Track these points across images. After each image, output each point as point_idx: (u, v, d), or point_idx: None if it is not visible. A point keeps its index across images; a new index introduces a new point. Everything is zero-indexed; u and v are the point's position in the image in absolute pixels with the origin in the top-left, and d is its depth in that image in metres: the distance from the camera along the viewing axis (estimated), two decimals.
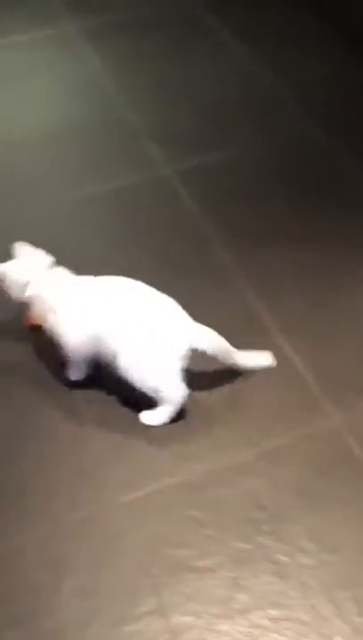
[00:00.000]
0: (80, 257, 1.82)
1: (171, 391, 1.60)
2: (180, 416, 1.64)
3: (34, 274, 1.67)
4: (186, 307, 1.87)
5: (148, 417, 1.64)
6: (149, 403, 1.63)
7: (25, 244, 1.73)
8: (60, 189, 2.25)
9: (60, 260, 1.72)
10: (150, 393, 1.61)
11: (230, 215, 2.14)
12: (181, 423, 1.64)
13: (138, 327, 1.56)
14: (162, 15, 2.97)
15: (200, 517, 1.49)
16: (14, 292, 1.69)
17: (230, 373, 1.72)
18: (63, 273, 1.69)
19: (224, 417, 1.66)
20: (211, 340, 1.61)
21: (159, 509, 1.51)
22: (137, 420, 1.65)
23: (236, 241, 2.06)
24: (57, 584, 1.40)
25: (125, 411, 1.67)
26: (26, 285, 1.66)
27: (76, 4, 3.01)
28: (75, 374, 1.71)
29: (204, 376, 1.72)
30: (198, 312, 1.85)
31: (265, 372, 1.72)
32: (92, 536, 1.47)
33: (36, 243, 1.74)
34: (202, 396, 1.69)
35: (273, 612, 1.35)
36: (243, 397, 1.69)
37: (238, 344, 1.68)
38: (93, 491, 1.54)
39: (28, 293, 1.67)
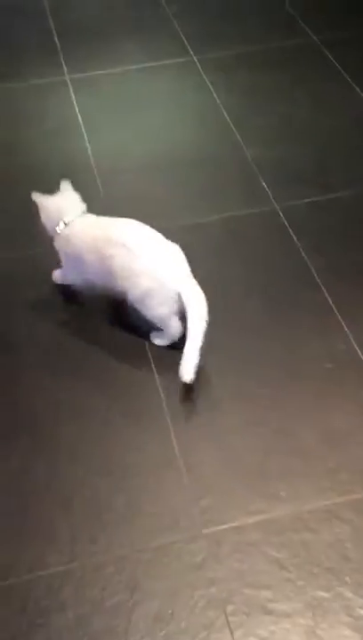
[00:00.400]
0: None
1: (168, 327, 1.83)
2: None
3: (66, 216, 1.88)
4: (286, 346, 1.88)
5: (154, 337, 1.87)
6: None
7: (69, 184, 1.93)
8: (169, 216, 2.28)
9: None
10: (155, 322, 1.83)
11: (339, 256, 2.12)
12: (275, 462, 1.63)
13: (141, 263, 1.77)
14: (282, 51, 2.99)
15: (282, 560, 1.47)
16: (48, 226, 1.92)
17: (326, 415, 1.71)
18: (90, 219, 1.90)
19: (318, 459, 1.63)
20: (196, 299, 1.75)
21: (240, 546, 1.49)
22: (229, 452, 1.65)
23: (342, 284, 2.03)
24: (133, 606, 1.41)
25: (215, 440, 1.68)
26: (58, 223, 1.89)
27: (198, 38, 3.06)
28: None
29: (299, 415, 1.71)
30: (298, 354, 1.85)
31: None
32: (171, 564, 1.47)
33: None
34: (297, 436, 1.68)
35: None
36: (338, 441, 1.67)
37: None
38: (176, 518, 1.54)
39: (58, 231, 1.89)
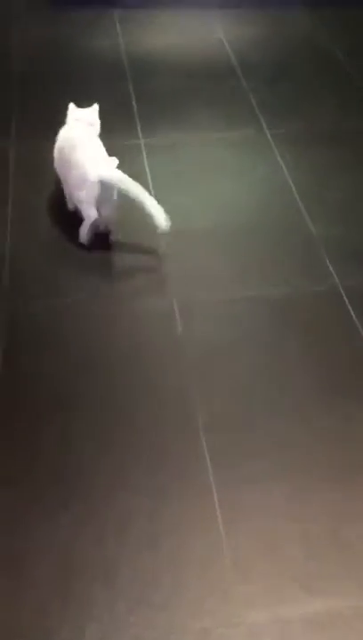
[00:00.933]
0: (229, 357, 1.85)
1: (85, 209, 2.37)
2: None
3: (71, 121, 2.53)
4: (342, 439, 1.85)
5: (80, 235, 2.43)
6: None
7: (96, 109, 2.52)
8: (227, 287, 2.31)
9: None
10: (80, 208, 2.41)
11: None
12: (320, 558, 1.60)
13: (73, 160, 2.38)
14: (353, 131, 3.03)
15: None
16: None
17: None
18: (85, 131, 2.49)
19: None
20: (119, 177, 2.31)
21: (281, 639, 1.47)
22: (274, 543, 1.63)
23: None
24: None
25: (262, 528, 1.66)
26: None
27: (271, 111, 3.11)
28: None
29: (354, 521, 1.68)
30: (354, 449, 1.83)
31: None
32: None
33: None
34: (347, 538, 1.66)
35: None
36: None
37: None
38: (217, 602, 1.52)
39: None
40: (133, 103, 3.15)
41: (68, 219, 2.48)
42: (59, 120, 2.52)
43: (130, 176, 2.29)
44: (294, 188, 2.70)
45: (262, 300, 2.25)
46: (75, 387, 1.98)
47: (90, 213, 2.37)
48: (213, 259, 2.42)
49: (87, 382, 1.99)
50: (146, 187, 2.69)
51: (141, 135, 2.96)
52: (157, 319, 2.20)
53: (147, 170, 2.79)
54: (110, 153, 2.42)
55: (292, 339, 2.13)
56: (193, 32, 3.69)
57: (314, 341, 2.12)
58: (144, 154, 2.87)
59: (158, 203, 2.56)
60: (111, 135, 2.96)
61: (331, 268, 2.36)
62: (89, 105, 2.53)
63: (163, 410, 1.91)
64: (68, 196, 2.51)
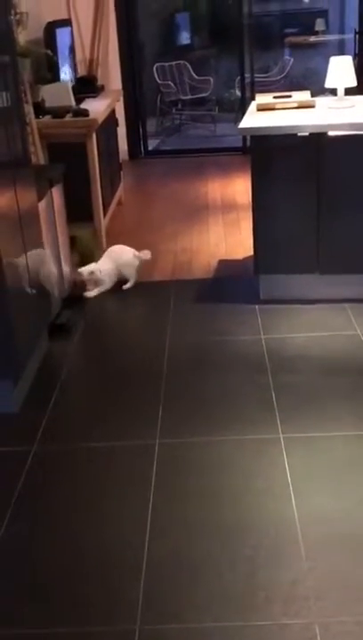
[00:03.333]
0: None
1: (105, 284, 4.48)
2: None
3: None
4: None
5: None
6: None
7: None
8: None
9: None
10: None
11: None
12: None
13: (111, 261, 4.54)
14: None
15: None
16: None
17: None
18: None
19: None
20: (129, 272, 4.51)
21: None
22: None
23: None
24: None
25: None
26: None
27: None
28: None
29: None
30: None
31: None
32: None
33: None
34: None
35: None
36: None
37: None
38: None
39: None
40: (273, 396, 3.22)
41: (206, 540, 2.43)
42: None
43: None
44: None
45: None
46: None
47: (108, 286, 4.46)
48: (359, 572, 2.27)
49: None
50: (284, 482, 2.66)
51: (280, 429, 2.98)
52: None
53: (286, 465, 2.76)
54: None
55: None
56: (328, 326, 3.82)
57: None
58: (283, 448, 2.86)
59: (297, 501, 2.51)
60: (246, 429, 3.00)
61: None
62: None
63: None
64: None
